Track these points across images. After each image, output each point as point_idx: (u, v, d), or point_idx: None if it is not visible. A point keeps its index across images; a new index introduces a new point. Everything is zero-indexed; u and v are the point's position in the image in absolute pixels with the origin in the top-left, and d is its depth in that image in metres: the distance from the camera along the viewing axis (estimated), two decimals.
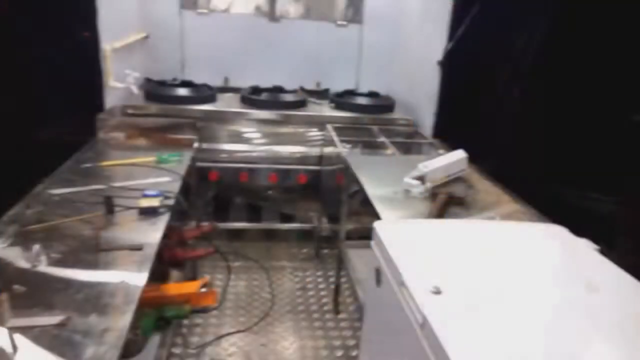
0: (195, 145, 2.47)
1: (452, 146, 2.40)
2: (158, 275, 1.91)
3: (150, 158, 2.13)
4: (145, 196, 1.68)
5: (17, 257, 1.30)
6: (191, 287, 1.92)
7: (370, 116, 3.05)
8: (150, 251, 1.40)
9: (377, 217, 1.69)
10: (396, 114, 3.15)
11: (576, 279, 1.17)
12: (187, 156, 2.23)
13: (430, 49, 2.74)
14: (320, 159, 2.98)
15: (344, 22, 3.48)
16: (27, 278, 1.22)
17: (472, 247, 1.31)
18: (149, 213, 1.62)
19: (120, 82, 2.54)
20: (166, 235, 1.58)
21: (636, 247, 1.49)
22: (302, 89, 3.36)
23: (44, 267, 1.27)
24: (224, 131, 2.92)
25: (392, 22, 3.44)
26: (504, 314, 1.02)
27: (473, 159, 2.15)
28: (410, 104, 3.15)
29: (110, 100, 2.54)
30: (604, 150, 1.72)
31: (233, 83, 3.42)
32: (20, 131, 1.83)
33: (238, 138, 2.94)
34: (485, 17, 2.31)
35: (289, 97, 3.10)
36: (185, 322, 2.45)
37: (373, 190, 1.93)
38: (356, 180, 2.13)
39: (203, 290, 1.89)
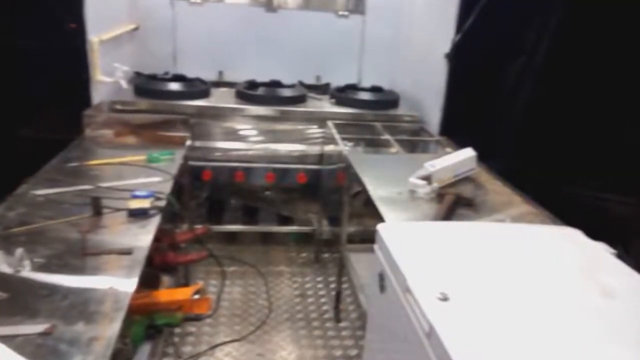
0: (188, 143, 2.47)
1: (460, 144, 2.40)
2: (148, 280, 1.91)
3: (140, 157, 2.13)
4: (135, 197, 1.68)
5: None
6: (183, 293, 1.92)
7: (373, 112, 3.05)
8: (140, 255, 1.40)
9: (380, 219, 1.69)
10: (401, 110, 3.15)
11: (592, 285, 1.17)
12: (179, 155, 2.23)
13: (436, 41, 2.74)
14: (321, 158, 2.98)
15: (346, 13, 3.48)
16: (9, 284, 1.22)
17: (481, 251, 1.31)
18: (138, 215, 1.62)
19: (109, 76, 2.54)
20: (157, 239, 1.58)
21: None
22: (301, 84, 3.36)
23: (27, 273, 1.27)
24: (219, 128, 2.92)
25: (396, 12, 3.45)
26: (515, 321, 1.02)
27: (482, 158, 2.15)
28: (416, 100, 3.15)
29: (98, 95, 2.54)
30: (620, 150, 1.73)
31: (228, 77, 3.42)
32: (2, 128, 1.83)
33: (233, 135, 2.94)
34: (495, 7, 2.31)
35: (287, 92, 3.10)
36: (177, 330, 2.45)
37: (376, 191, 1.93)
38: (358, 180, 2.13)
39: (196, 296, 1.90)
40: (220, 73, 3.44)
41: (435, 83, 2.75)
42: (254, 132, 2.96)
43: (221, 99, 3.03)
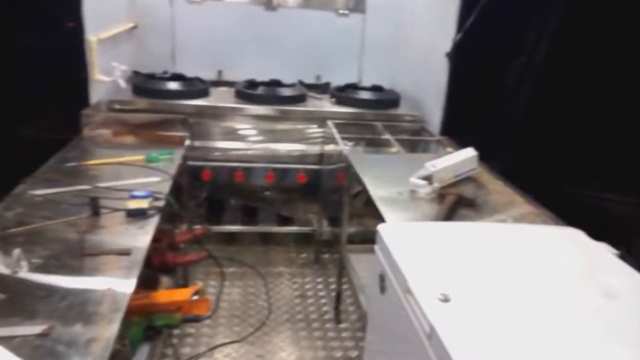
0: (187, 142, 2.47)
1: (461, 144, 2.40)
2: (147, 281, 1.91)
3: (138, 156, 2.13)
4: (134, 197, 1.68)
5: None
6: (182, 294, 1.92)
7: (373, 112, 3.05)
8: (139, 256, 1.40)
9: (381, 219, 1.69)
10: (401, 110, 3.15)
11: (593, 285, 1.17)
12: (178, 154, 2.23)
13: (437, 40, 2.74)
14: (321, 158, 2.98)
15: (346, 11, 3.48)
16: (7, 285, 1.22)
17: (482, 251, 1.31)
18: (137, 215, 1.62)
19: (107, 75, 2.54)
20: (156, 239, 1.58)
21: None
22: (301, 83, 3.36)
23: (25, 273, 1.27)
24: (218, 128, 2.92)
25: (396, 11, 3.45)
26: (517, 322, 1.02)
27: (484, 158, 2.15)
28: (417, 99, 3.15)
29: (96, 95, 2.54)
30: (621, 150, 1.73)
31: (227, 76, 3.42)
32: (0, 128, 1.83)
33: (233, 135, 2.94)
34: (496, 7, 2.31)
35: (287, 92, 3.10)
36: (176, 331, 2.45)
37: (376, 191, 1.93)
38: (359, 180, 2.13)
39: (195, 297, 1.89)
40: (220, 72, 3.44)
41: (436, 82, 2.75)
42: (254, 131, 2.96)
43: (220, 98, 3.03)
